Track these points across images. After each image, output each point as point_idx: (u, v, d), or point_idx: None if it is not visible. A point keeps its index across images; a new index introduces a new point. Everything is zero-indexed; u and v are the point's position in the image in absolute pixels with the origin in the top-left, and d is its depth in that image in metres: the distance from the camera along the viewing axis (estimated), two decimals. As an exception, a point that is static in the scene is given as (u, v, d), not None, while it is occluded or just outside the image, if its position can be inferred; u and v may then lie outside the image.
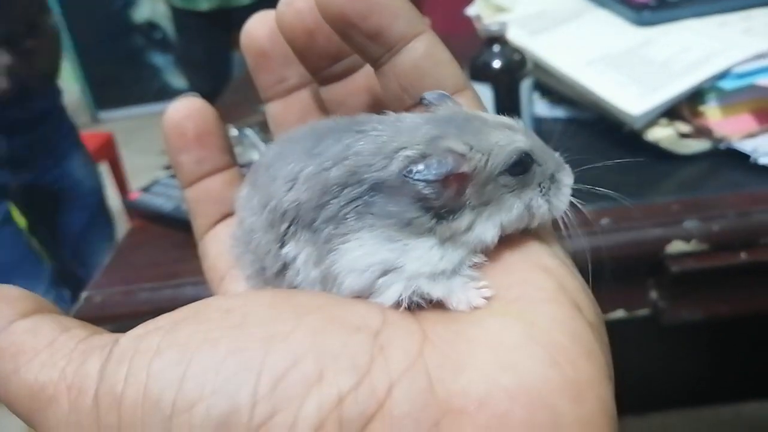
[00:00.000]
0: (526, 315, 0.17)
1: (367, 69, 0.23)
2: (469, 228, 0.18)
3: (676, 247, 0.50)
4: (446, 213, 0.18)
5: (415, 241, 0.18)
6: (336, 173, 0.18)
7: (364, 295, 0.18)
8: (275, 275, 0.21)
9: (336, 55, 0.23)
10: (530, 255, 0.19)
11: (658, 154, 0.59)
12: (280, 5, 0.22)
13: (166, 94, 3.47)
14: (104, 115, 3.61)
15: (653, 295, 0.53)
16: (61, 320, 0.19)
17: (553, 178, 0.20)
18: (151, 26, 3.30)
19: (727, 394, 1.19)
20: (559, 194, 0.20)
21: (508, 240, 0.19)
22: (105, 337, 0.18)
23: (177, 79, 3.33)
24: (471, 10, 0.86)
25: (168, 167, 0.73)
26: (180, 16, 1.95)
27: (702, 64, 0.58)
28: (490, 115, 0.20)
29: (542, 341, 0.16)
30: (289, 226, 0.20)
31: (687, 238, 0.50)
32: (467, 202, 0.18)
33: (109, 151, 2.09)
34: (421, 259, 0.18)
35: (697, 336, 1.02)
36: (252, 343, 0.16)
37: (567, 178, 0.20)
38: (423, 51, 0.20)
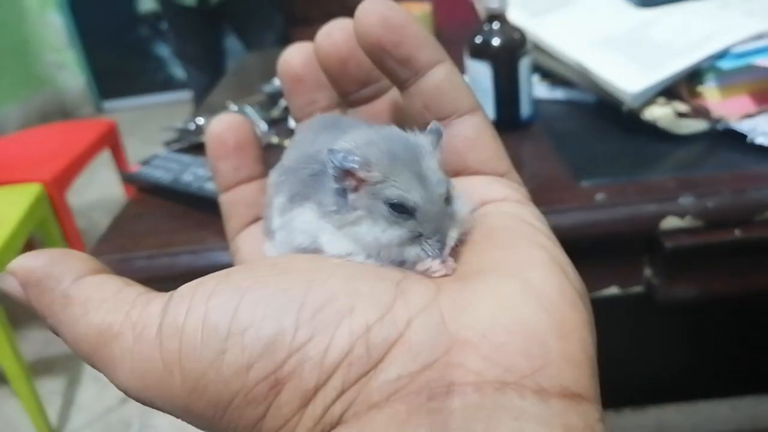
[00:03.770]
0: (522, 275, 0.20)
1: (389, 96, 0.28)
2: (354, 223, 0.21)
3: (671, 222, 0.50)
4: (344, 207, 0.21)
5: (325, 223, 0.22)
6: (311, 150, 0.23)
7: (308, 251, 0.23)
8: (270, 222, 0.25)
9: (364, 81, 0.27)
10: (528, 235, 0.22)
11: (656, 134, 0.60)
12: (319, 36, 0.26)
13: (171, 84, 3.49)
14: (108, 104, 3.62)
15: (647, 272, 0.54)
16: (123, 278, 0.22)
17: (419, 239, 0.21)
18: (157, 17, 3.31)
19: (723, 386, 1.20)
20: (412, 248, 0.21)
21: (512, 229, 0.22)
22: (162, 293, 0.21)
23: (181, 71, 3.35)
24: (473, -6, 0.86)
25: (168, 143, 0.74)
26: (170, 10, 1.96)
27: (701, 44, 0.58)
28: (437, 173, 0.21)
29: (535, 293, 0.19)
30: (282, 181, 0.24)
31: (681, 214, 0.50)
32: (359, 204, 0.21)
33: (111, 139, 2.10)
34: (324, 239, 0.22)
35: (697, 327, 1.02)
36: (296, 284, 0.19)
37: (426, 248, 0.21)
38: (443, 76, 0.24)
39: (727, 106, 0.59)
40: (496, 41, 0.62)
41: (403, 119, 0.27)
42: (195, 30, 1.95)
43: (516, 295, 0.19)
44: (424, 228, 0.21)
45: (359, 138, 0.22)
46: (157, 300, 0.20)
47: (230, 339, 0.18)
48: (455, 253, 0.22)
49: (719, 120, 0.58)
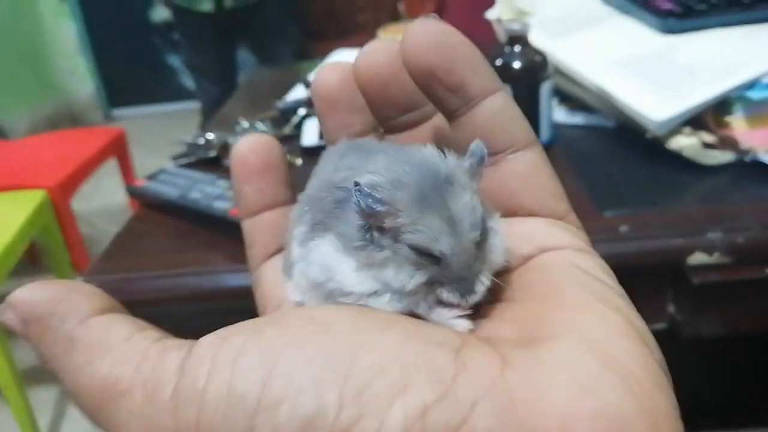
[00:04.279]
0: (601, 346, 0.17)
1: (432, 122, 0.25)
2: (382, 265, 0.19)
3: (698, 258, 0.48)
4: (371, 242, 0.19)
5: (346, 258, 0.20)
6: (337, 177, 0.21)
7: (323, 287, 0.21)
8: (290, 256, 0.23)
9: (406, 106, 0.24)
10: (601, 294, 0.19)
11: (681, 163, 0.58)
12: (359, 55, 0.23)
13: (181, 94, 3.49)
14: (117, 112, 3.63)
15: (671, 308, 0.51)
16: (135, 320, 0.19)
17: (438, 289, 0.19)
18: (169, 27, 3.31)
19: (744, 417, 1.16)
20: (434, 292, 0.20)
21: (580, 285, 0.19)
22: (180, 340, 0.18)
23: (192, 81, 3.36)
24: (492, 14, 0.85)
25: (176, 157, 0.72)
26: (182, 18, 1.94)
27: (730, 73, 0.56)
28: (471, 212, 0.19)
29: (618, 371, 0.16)
30: (306, 211, 0.22)
31: (710, 250, 0.48)
32: (386, 243, 0.19)
33: (119, 147, 2.09)
34: (344, 277, 0.20)
35: (713, 355, 0.99)
36: (338, 348, 0.16)
37: (451, 296, 0.19)
38: (499, 106, 0.21)
39: (755, 137, 0.57)
40: (517, 64, 0.60)
41: (447, 149, 0.25)
42: (208, 40, 1.94)
43: (596, 372, 0.16)
44: (447, 275, 0.19)
45: (386, 170, 0.20)
46: (173, 353, 0.18)
47: (260, 414, 0.16)
48: (488, 308, 0.20)
49: (747, 151, 0.56)
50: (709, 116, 0.58)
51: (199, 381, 0.16)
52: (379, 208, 0.18)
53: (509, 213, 0.22)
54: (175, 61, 3.46)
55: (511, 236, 0.21)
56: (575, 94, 0.70)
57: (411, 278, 0.19)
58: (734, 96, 0.56)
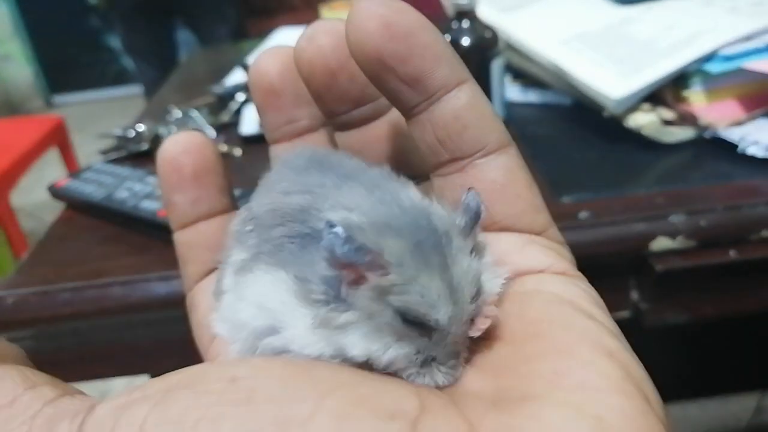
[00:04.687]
0: (592, 407, 0.14)
1: (389, 117, 0.22)
2: (341, 328, 0.16)
3: (661, 244, 0.46)
4: (334, 297, 0.16)
5: (301, 309, 0.16)
6: (293, 201, 0.18)
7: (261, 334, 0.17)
8: (221, 282, 0.20)
9: (357, 99, 0.21)
10: (589, 334, 0.15)
11: (640, 142, 0.55)
12: (300, 39, 0.20)
13: (124, 78, 3.35)
14: (59, 99, 3.47)
15: (634, 295, 0.49)
16: (27, 374, 0.16)
17: (426, 361, 0.16)
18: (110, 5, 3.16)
19: (691, 388, 1.18)
20: (419, 372, 0.16)
21: (564, 324, 0.16)
22: (77, 401, 0.15)
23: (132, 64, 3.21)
24: (439, -13, 0.81)
25: (105, 152, 0.66)
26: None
27: (688, 45, 0.54)
28: (472, 279, 0.16)
29: None
30: (249, 231, 0.19)
31: (673, 234, 0.46)
32: (356, 303, 0.16)
33: (59, 136, 1.99)
34: (294, 333, 0.16)
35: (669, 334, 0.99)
36: (263, 426, 0.13)
37: (439, 376, 0.16)
38: (465, 101, 0.18)
39: (713, 112, 0.54)
40: (465, 41, 0.56)
41: (406, 149, 0.21)
42: (143, 20, 1.84)
43: None
44: (439, 351, 0.16)
45: (369, 209, 0.16)
46: (64, 425, 0.14)
47: None
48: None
49: (707, 127, 0.54)
50: (668, 91, 0.56)
51: None
52: (361, 258, 0.15)
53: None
54: (117, 42, 3.31)
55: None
56: (529, 70, 0.67)
57: (387, 350, 0.15)
58: (693, 69, 0.54)
